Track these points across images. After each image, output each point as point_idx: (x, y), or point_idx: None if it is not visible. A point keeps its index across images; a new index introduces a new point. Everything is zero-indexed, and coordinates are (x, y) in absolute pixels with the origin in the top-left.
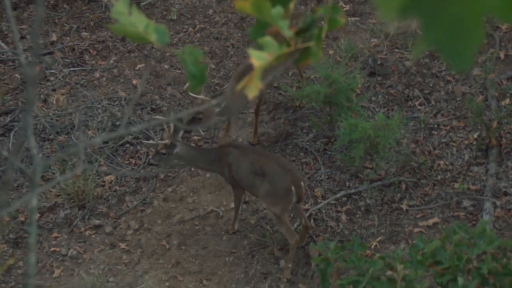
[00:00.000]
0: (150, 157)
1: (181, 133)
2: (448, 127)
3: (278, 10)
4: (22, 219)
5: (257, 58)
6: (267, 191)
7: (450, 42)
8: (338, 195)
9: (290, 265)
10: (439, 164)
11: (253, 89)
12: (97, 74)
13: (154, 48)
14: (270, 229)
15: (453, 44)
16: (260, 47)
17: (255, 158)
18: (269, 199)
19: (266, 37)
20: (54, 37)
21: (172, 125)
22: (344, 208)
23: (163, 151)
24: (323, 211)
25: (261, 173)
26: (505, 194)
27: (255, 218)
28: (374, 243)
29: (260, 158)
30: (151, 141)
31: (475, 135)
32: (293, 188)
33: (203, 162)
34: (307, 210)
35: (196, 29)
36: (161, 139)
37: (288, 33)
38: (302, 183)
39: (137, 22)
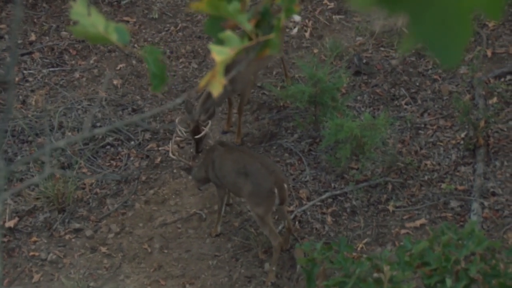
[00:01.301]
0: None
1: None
2: (435, 127)
3: (235, 5)
4: None
5: (219, 53)
6: (250, 191)
7: (437, 38)
8: (323, 197)
9: (274, 268)
10: (426, 164)
11: (216, 86)
12: (77, 75)
13: (134, 47)
14: (254, 232)
15: (441, 40)
16: (220, 42)
17: (238, 157)
18: (252, 199)
19: (227, 32)
20: (33, 37)
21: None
22: (330, 210)
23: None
24: (308, 213)
25: (244, 172)
26: (493, 194)
27: (239, 220)
28: (360, 245)
29: (244, 156)
30: (179, 158)
31: (462, 135)
32: (276, 190)
33: (202, 171)
34: (292, 212)
35: (178, 28)
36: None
37: (248, 26)
38: (285, 185)
39: (97, 22)
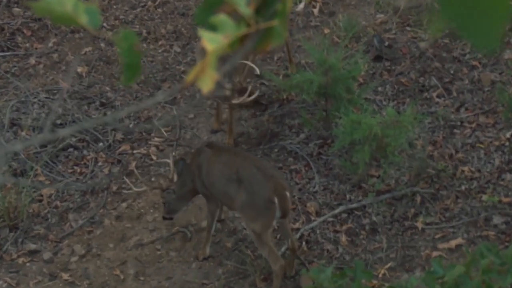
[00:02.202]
0: (164, 211)
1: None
2: (473, 125)
3: None
4: None
5: (210, 41)
6: (244, 202)
7: (471, 17)
8: (336, 211)
9: None
10: (462, 171)
11: (207, 81)
12: (32, 60)
13: (104, 27)
14: (251, 254)
15: (476, 19)
16: (213, 28)
17: (230, 160)
18: (246, 212)
19: (221, 15)
20: None
21: (172, 167)
22: (344, 227)
23: (163, 200)
24: (318, 231)
25: (236, 178)
26: None
27: (233, 240)
28: (382, 271)
29: (236, 159)
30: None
31: (508, 134)
32: (276, 200)
33: (187, 181)
34: (297, 229)
35: (157, 2)
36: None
37: (246, 10)
38: (288, 194)
39: (65, 0)
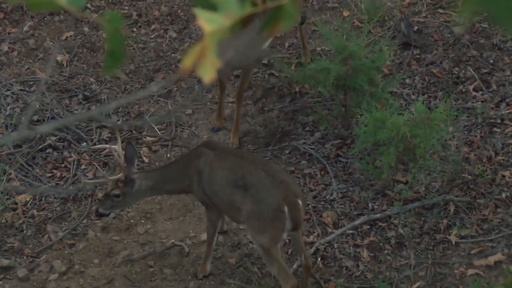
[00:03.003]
0: (98, 204)
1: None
2: None
3: None
4: None
5: (209, 22)
6: (250, 211)
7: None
8: (357, 222)
9: None
10: (503, 176)
11: (208, 69)
12: (5, 47)
13: (88, 8)
14: (258, 272)
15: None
16: (212, 8)
17: (235, 163)
18: (252, 223)
19: None
20: None
21: (121, 151)
22: (366, 241)
23: (116, 192)
24: (336, 246)
25: (242, 185)
26: None
27: (237, 255)
28: None
29: (242, 163)
30: (95, 179)
31: None
32: (286, 209)
33: (174, 181)
34: (312, 243)
35: None
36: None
37: None
38: (300, 201)
39: None
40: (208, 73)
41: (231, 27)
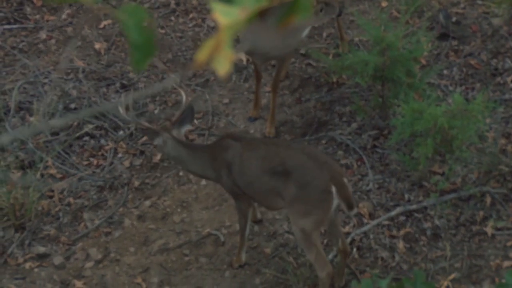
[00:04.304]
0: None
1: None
2: None
3: None
4: None
5: (224, 15)
6: (294, 196)
7: None
8: (393, 213)
9: None
10: None
11: (222, 62)
12: (43, 35)
13: None
14: (294, 262)
15: None
16: (229, 0)
17: (269, 151)
18: (297, 207)
19: None
20: None
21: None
22: (402, 232)
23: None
24: (371, 236)
25: (282, 170)
26: None
27: (272, 245)
28: (446, 283)
29: (278, 150)
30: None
31: None
32: (333, 189)
33: (195, 164)
34: (347, 234)
35: None
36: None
37: None
38: (345, 180)
39: None
40: (223, 66)
41: (247, 19)
